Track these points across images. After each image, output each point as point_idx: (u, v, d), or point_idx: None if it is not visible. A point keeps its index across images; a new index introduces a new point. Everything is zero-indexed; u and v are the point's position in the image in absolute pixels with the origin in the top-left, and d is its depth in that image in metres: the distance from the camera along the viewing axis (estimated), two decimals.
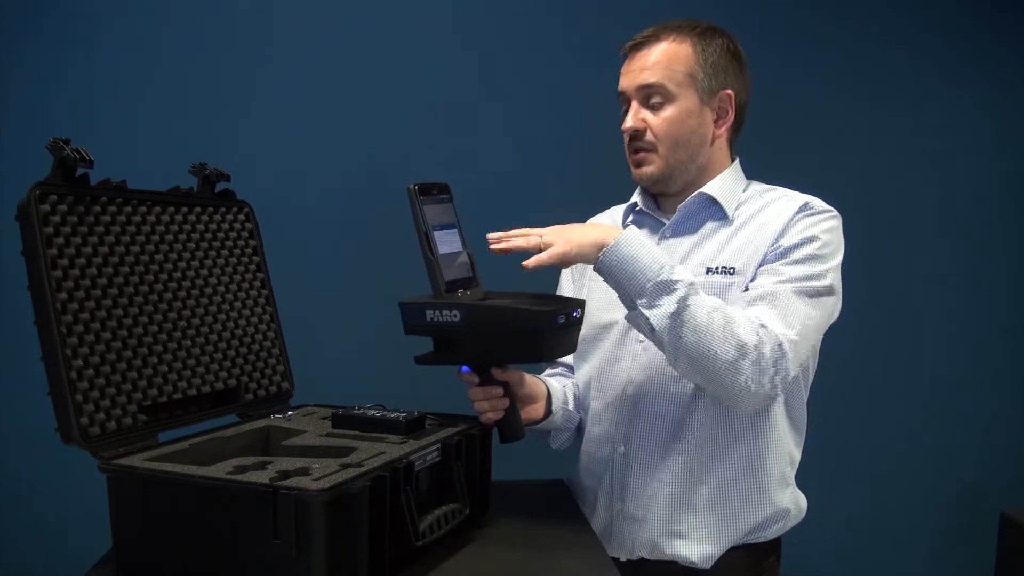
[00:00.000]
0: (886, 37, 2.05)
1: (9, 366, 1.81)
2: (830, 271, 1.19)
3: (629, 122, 1.26)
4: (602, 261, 1.11)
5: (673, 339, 1.10)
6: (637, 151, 1.28)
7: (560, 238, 1.10)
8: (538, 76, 1.98)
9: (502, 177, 1.94)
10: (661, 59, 1.25)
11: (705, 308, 1.10)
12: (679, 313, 1.09)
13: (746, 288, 1.20)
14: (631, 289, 1.11)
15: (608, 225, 1.17)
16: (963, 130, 2.07)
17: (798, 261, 1.18)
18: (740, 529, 1.22)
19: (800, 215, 1.22)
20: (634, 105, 1.26)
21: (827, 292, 1.18)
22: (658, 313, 1.10)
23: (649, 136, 1.26)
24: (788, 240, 1.20)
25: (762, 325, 1.12)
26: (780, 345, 1.12)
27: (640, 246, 1.11)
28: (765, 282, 1.18)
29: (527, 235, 1.11)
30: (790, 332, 1.13)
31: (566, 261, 1.11)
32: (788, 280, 1.17)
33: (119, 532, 0.95)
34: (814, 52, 2.03)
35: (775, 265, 1.19)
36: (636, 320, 1.13)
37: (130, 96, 1.87)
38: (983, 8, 2.06)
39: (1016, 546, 1.69)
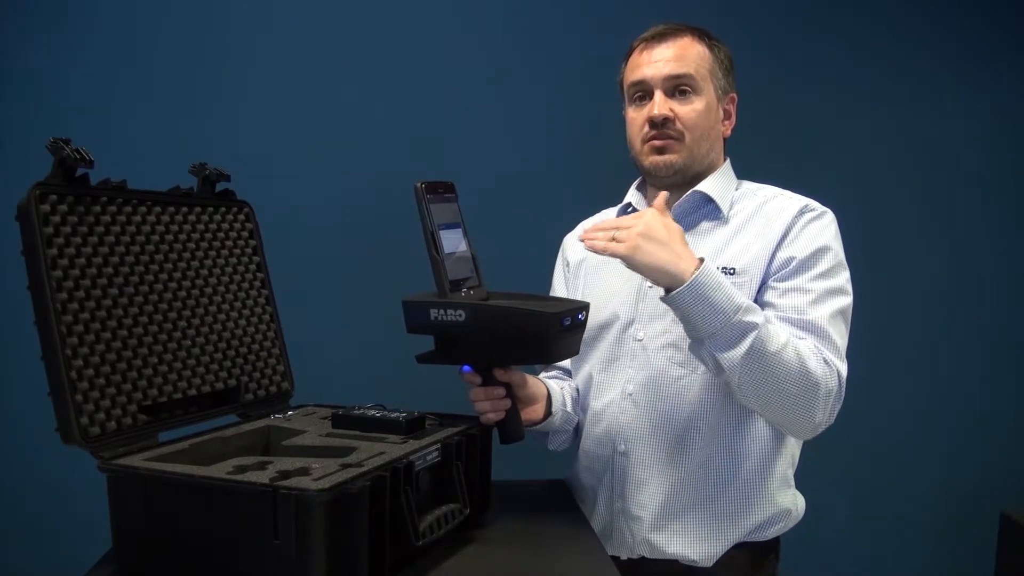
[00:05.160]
0: (887, 32, 2.05)
1: (9, 366, 1.81)
2: (847, 279, 1.22)
3: (657, 109, 1.25)
4: (673, 298, 1.09)
5: (743, 379, 1.11)
6: (661, 138, 1.26)
7: (631, 241, 1.08)
8: (539, 76, 1.98)
9: (503, 177, 1.94)
10: (687, 53, 1.26)
11: (776, 344, 1.09)
12: (750, 355, 1.09)
13: (758, 290, 1.21)
14: (701, 327, 1.10)
15: (679, 248, 1.10)
16: (966, 126, 2.07)
17: (821, 276, 1.19)
18: (742, 529, 1.23)
19: (802, 218, 1.23)
20: (659, 94, 1.25)
21: (850, 302, 1.21)
22: (730, 356, 1.09)
23: (678, 125, 1.25)
24: (801, 250, 1.20)
25: (826, 361, 1.14)
26: (840, 377, 1.15)
27: (715, 287, 1.08)
28: (798, 303, 1.17)
29: (607, 236, 1.11)
30: (843, 365, 1.16)
31: (623, 261, 1.10)
32: (819, 298, 1.17)
33: (119, 532, 0.95)
34: (814, 49, 2.03)
35: (799, 281, 1.19)
36: (700, 354, 1.13)
37: (130, 96, 1.87)
38: (986, 1, 2.06)
39: (1016, 546, 1.69)
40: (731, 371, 1.10)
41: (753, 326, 1.08)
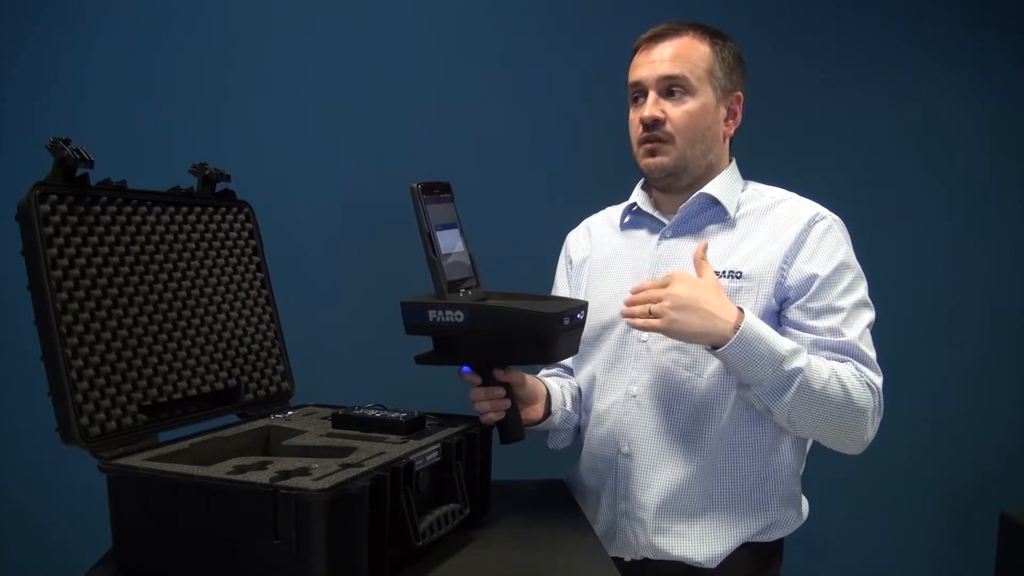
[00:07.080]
0: (886, 32, 2.05)
1: (9, 366, 1.81)
2: (866, 288, 1.23)
3: (647, 111, 1.25)
4: (719, 354, 1.13)
5: (793, 417, 1.15)
6: (651, 141, 1.26)
7: (665, 316, 1.11)
8: (540, 76, 1.97)
9: (502, 176, 1.94)
10: (683, 53, 1.25)
11: (820, 381, 1.12)
12: (798, 396, 1.12)
13: (780, 299, 1.21)
14: (747, 376, 1.14)
15: (714, 307, 1.12)
16: (965, 126, 2.07)
17: (847, 291, 1.20)
18: (748, 531, 1.23)
19: (815, 229, 1.22)
20: (652, 95, 1.25)
21: (874, 313, 1.23)
22: (779, 401, 1.13)
23: (667, 127, 1.25)
24: (822, 267, 1.20)
25: (868, 384, 1.16)
26: (880, 395, 1.18)
27: (758, 341, 1.11)
28: (833, 324, 1.18)
29: (644, 308, 1.13)
30: (879, 379, 1.19)
31: (664, 335, 1.15)
32: (850, 315, 1.19)
33: (119, 532, 0.95)
34: (813, 48, 2.03)
35: (828, 300, 1.19)
36: (748, 396, 1.17)
37: (130, 96, 1.87)
38: (986, 1, 2.06)
39: (1016, 546, 1.69)
40: (780, 413, 1.14)
41: (798, 371, 1.11)
